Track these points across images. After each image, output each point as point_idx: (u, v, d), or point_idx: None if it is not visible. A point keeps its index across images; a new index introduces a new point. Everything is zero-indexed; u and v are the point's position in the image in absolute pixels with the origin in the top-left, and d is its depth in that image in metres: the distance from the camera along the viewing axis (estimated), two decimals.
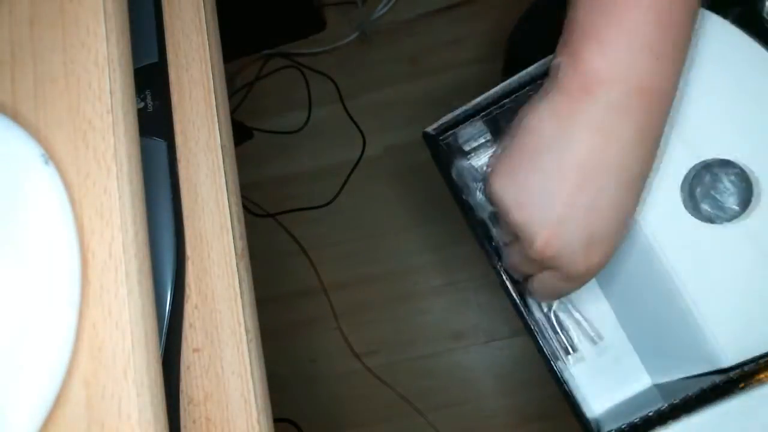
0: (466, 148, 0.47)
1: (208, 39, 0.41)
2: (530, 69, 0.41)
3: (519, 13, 0.66)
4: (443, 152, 0.44)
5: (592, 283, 0.46)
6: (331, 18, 1.29)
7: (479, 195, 0.46)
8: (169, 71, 0.40)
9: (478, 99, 0.42)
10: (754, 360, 0.34)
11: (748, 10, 0.37)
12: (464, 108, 0.42)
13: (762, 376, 0.34)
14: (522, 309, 0.41)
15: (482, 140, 0.47)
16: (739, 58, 0.35)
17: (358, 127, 1.24)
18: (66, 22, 0.33)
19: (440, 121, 0.43)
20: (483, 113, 0.42)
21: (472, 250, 1.15)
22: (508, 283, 0.41)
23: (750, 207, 0.35)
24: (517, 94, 0.41)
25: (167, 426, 0.30)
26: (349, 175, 1.22)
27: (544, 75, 0.40)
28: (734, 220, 0.35)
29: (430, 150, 0.43)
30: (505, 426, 1.09)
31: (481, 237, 0.43)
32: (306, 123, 1.26)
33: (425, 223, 1.18)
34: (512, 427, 1.09)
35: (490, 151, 0.47)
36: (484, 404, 1.10)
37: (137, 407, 0.28)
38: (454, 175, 0.44)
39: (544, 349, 0.40)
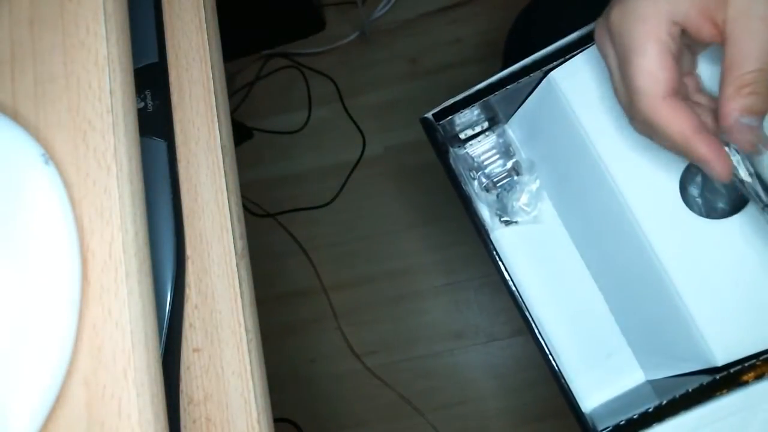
0: (462, 136, 0.47)
1: (208, 39, 0.41)
2: (529, 58, 0.41)
3: (518, 13, 0.66)
4: (441, 136, 0.44)
5: (588, 278, 0.46)
6: (331, 18, 1.29)
7: (475, 183, 0.46)
8: (169, 71, 0.40)
9: (478, 85, 0.42)
10: (750, 358, 0.34)
11: None
12: (463, 93, 0.43)
13: (761, 371, 0.34)
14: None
15: (478, 129, 0.47)
16: None
17: (358, 127, 1.24)
18: (66, 22, 0.33)
19: (439, 107, 0.43)
20: (482, 99, 0.42)
21: (473, 250, 1.15)
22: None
23: (743, 205, 0.35)
24: (515, 82, 0.42)
25: (167, 426, 0.30)
26: (349, 175, 1.22)
27: (543, 65, 0.41)
28: (727, 218, 0.35)
29: (427, 135, 0.44)
30: (504, 426, 1.09)
31: (475, 217, 0.43)
32: (306, 123, 1.26)
33: (425, 223, 1.18)
34: (512, 427, 1.09)
35: (486, 141, 0.48)
36: (484, 404, 1.10)
37: (137, 407, 0.28)
38: (450, 161, 0.44)
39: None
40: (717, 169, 0.31)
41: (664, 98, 0.31)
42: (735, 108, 0.30)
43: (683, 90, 0.33)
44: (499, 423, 1.09)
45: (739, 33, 0.30)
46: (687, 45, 0.34)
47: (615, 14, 0.33)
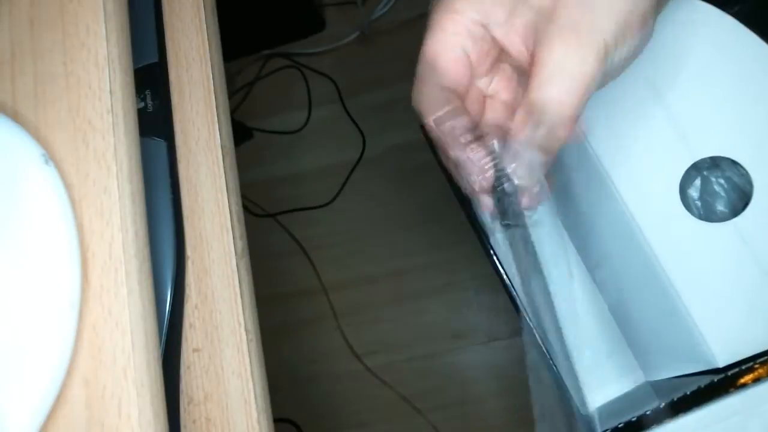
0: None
1: (208, 39, 0.41)
2: None
3: None
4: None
5: (588, 279, 0.46)
6: (331, 18, 1.29)
7: None
8: (169, 71, 0.40)
9: None
10: (750, 359, 0.34)
11: (748, 5, 0.37)
12: None
13: (758, 374, 0.34)
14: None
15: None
16: (738, 52, 0.35)
17: (358, 127, 1.24)
18: (66, 22, 0.33)
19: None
20: None
21: (473, 250, 1.15)
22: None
23: (742, 208, 0.35)
24: None
25: (167, 426, 0.30)
26: (349, 175, 1.22)
27: None
28: (727, 221, 0.35)
29: (427, 139, 0.44)
30: (505, 426, 1.09)
31: (474, 220, 0.43)
32: (306, 123, 1.26)
33: (425, 223, 1.18)
34: (512, 427, 1.09)
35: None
36: (484, 404, 1.10)
37: (137, 407, 0.28)
38: None
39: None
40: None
41: (440, 87, 0.30)
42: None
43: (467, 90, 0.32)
44: (499, 423, 1.09)
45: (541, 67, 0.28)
46: (516, 66, 0.32)
47: None
